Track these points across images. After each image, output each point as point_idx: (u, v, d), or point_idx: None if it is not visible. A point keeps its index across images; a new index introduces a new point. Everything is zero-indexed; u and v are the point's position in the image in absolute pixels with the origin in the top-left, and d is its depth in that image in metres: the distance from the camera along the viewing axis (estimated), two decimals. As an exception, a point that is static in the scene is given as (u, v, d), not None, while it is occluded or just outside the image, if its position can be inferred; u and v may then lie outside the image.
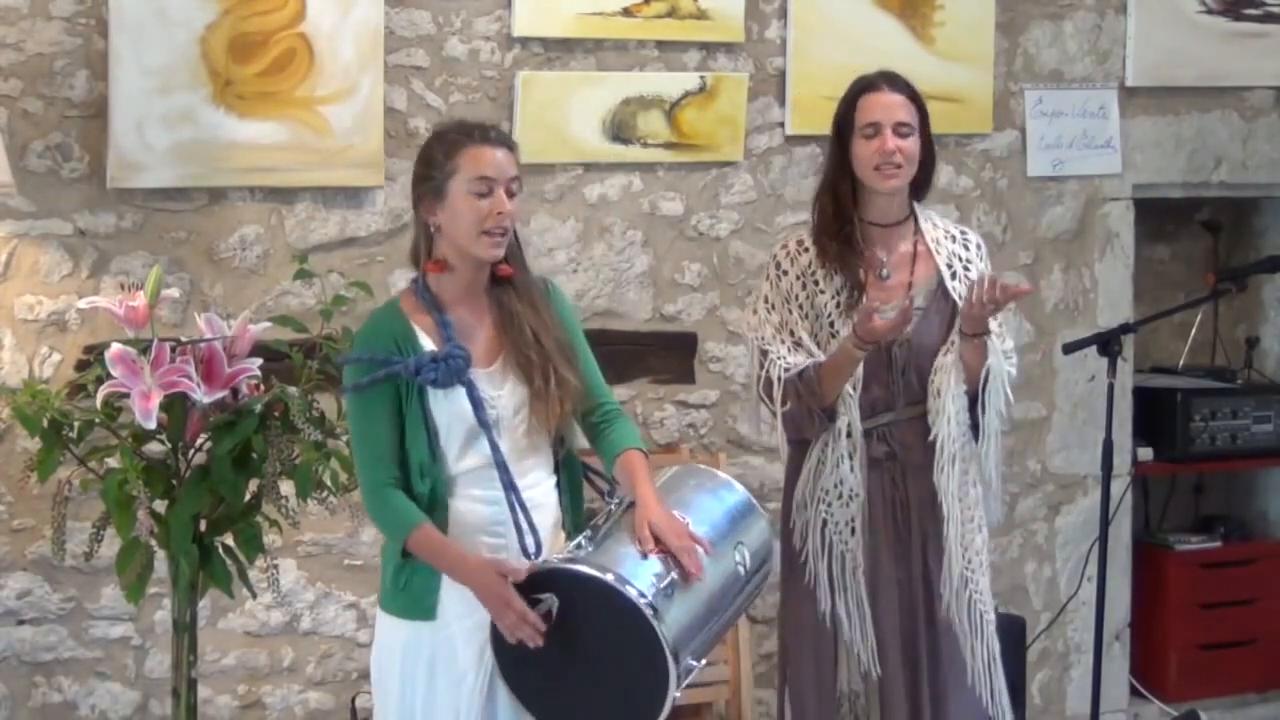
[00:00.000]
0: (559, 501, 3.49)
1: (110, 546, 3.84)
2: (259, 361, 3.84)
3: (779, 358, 3.94)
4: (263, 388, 3.87)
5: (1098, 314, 5.63)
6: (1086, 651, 5.44)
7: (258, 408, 3.79)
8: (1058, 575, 5.64)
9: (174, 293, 4.12)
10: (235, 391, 3.82)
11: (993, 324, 3.95)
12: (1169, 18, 5.64)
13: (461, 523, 3.38)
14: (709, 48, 5.05)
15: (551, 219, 4.93)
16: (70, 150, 4.40)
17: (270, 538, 3.97)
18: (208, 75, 4.45)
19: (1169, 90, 5.71)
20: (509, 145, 3.42)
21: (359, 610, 4.68)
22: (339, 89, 4.59)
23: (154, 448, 3.86)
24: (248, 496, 3.87)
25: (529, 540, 3.36)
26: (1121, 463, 5.53)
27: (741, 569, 3.49)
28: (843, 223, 3.98)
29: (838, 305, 3.96)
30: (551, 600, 3.26)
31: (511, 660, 3.32)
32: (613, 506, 3.47)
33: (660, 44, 4.99)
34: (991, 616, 4.03)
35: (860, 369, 3.89)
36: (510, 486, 3.36)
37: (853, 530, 3.96)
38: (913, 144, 3.94)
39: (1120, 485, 5.53)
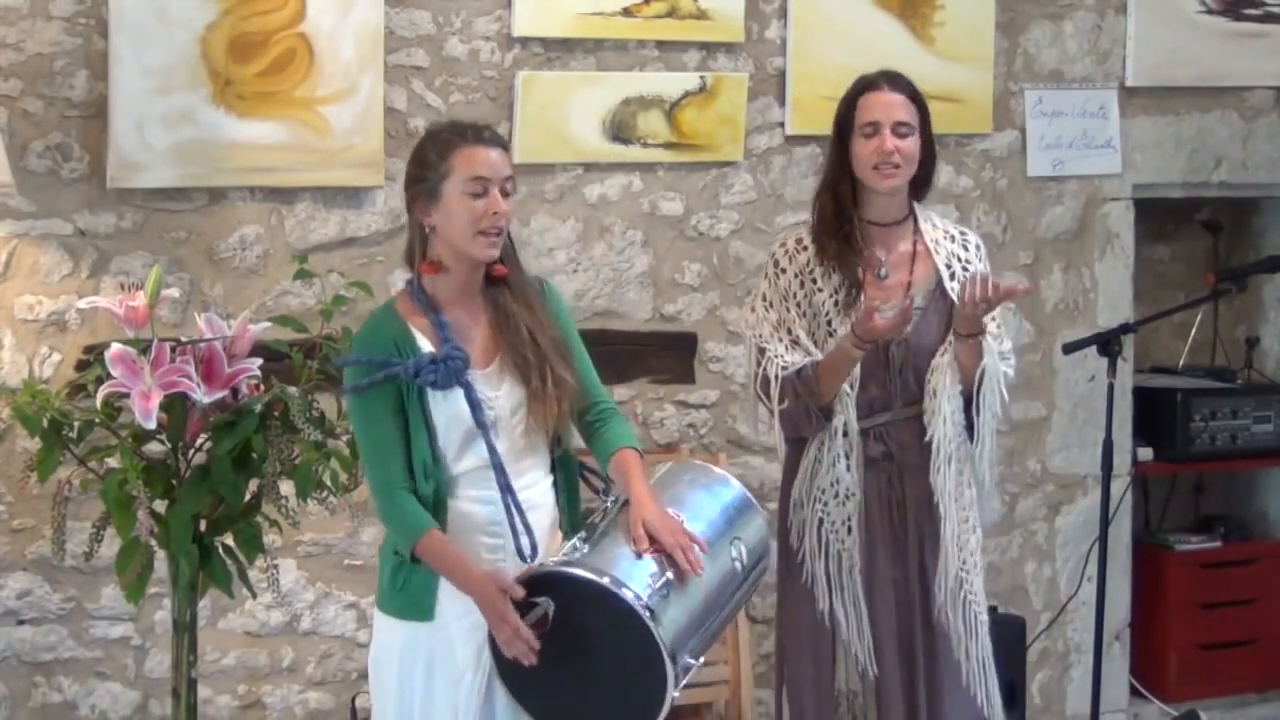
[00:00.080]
0: (556, 501, 3.49)
1: (110, 546, 3.84)
2: (259, 361, 3.83)
3: (776, 356, 3.94)
4: (263, 388, 3.87)
5: (1098, 314, 5.63)
6: (1086, 651, 5.44)
7: (258, 408, 3.79)
8: (1058, 575, 5.64)
9: (174, 293, 4.12)
10: (235, 391, 3.82)
11: (991, 325, 3.95)
12: (1169, 18, 5.64)
13: (460, 523, 3.38)
14: (709, 48, 5.05)
15: (551, 219, 4.94)
16: (70, 150, 4.40)
17: (270, 538, 3.97)
18: (208, 75, 4.45)
19: (1169, 90, 5.71)
20: (502, 145, 3.43)
21: (359, 610, 4.68)
22: (339, 89, 4.59)
23: (154, 448, 3.85)
24: (248, 496, 3.86)
25: (524, 542, 3.35)
26: (1121, 463, 5.53)
27: (738, 565, 3.48)
28: (842, 221, 3.98)
29: (836, 304, 3.96)
30: (547, 604, 3.26)
31: (509, 661, 3.32)
32: (608, 504, 3.46)
33: (660, 44, 4.99)
34: (985, 617, 4.03)
35: (857, 368, 3.89)
36: (506, 488, 3.36)
37: (849, 529, 3.96)
38: (912, 144, 3.94)
39: (1120, 485, 5.53)
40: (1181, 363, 6.11)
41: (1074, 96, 5.56)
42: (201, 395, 3.72)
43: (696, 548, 3.33)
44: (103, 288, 4.40)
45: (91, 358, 4.07)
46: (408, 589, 3.38)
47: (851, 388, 3.92)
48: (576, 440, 3.56)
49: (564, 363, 3.44)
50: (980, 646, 4.00)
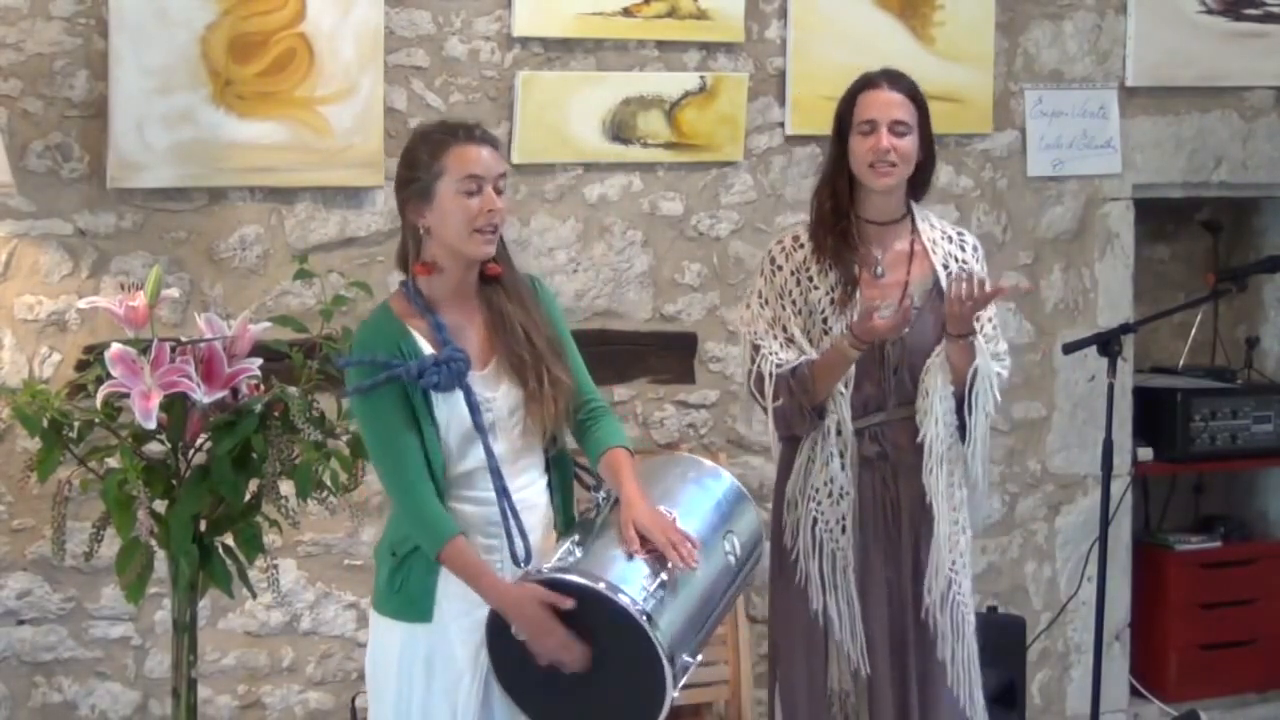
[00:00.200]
0: (550, 501, 3.48)
1: (110, 546, 3.84)
2: (259, 361, 3.83)
3: (771, 353, 3.94)
4: (263, 388, 3.87)
5: (1098, 314, 5.63)
6: (1086, 651, 5.44)
7: (258, 408, 3.79)
8: (1058, 575, 5.64)
9: (174, 293, 4.12)
10: (235, 391, 3.82)
11: (987, 326, 3.95)
12: (1169, 18, 5.64)
13: (459, 523, 3.36)
14: (709, 48, 5.05)
15: (551, 219, 4.94)
16: (70, 150, 4.40)
17: (270, 538, 3.97)
18: (208, 75, 4.45)
19: (1169, 90, 5.71)
20: (493, 143, 3.42)
21: (359, 610, 4.68)
22: (339, 89, 4.59)
23: (154, 448, 3.85)
24: (248, 496, 3.86)
25: (519, 546, 3.35)
26: (1121, 463, 5.53)
27: (732, 559, 3.47)
28: (839, 218, 3.98)
29: (831, 301, 3.96)
30: (570, 604, 3.26)
31: (507, 662, 3.32)
32: (600, 500, 3.45)
33: (660, 44, 4.99)
34: (972, 618, 4.02)
35: (853, 367, 3.89)
36: (503, 491, 3.35)
37: (843, 529, 3.96)
38: (909, 143, 3.94)
39: (1120, 485, 5.53)
40: (1181, 363, 6.11)
41: (1074, 96, 5.56)
42: (201, 395, 3.72)
43: (689, 545, 3.33)
44: (103, 288, 4.40)
45: (91, 358, 4.07)
46: (405, 590, 3.37)
47: (846, 386, 3.92)
48: (569, 439, 3.56)
49: (559, 362, 3.44)
50: (966, 648, 3.99)
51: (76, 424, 3.80)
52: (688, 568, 3.30)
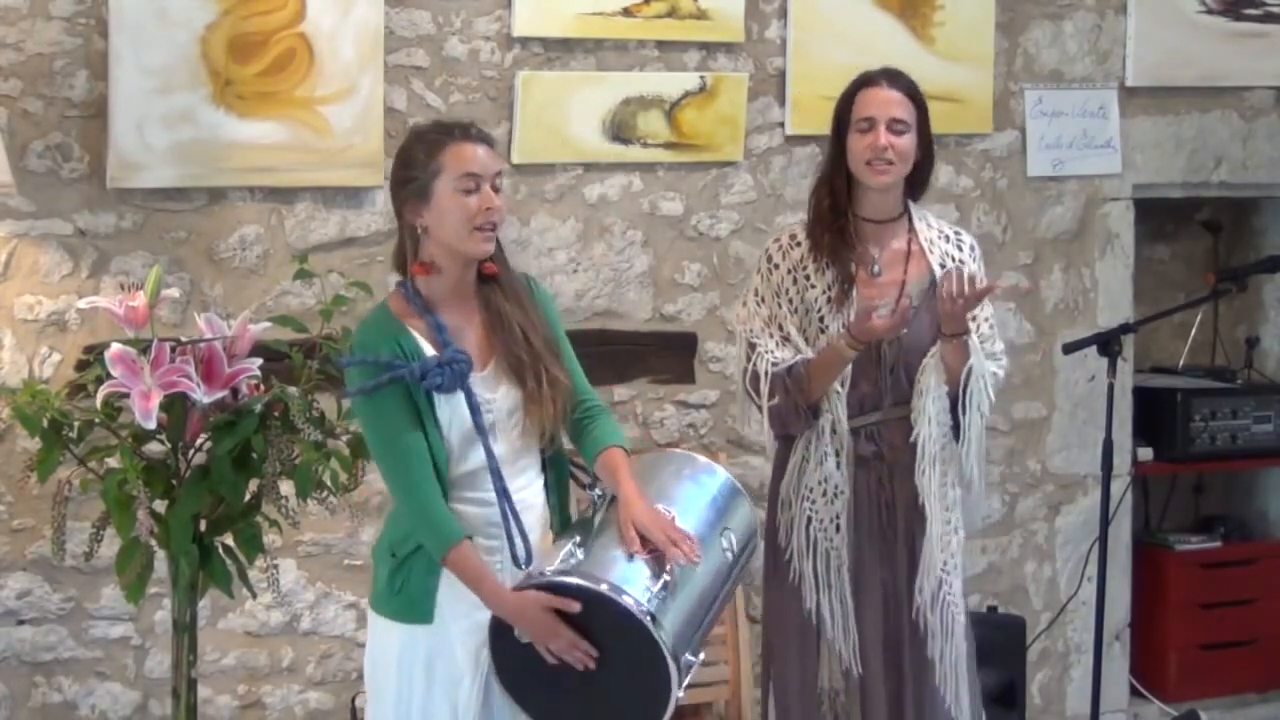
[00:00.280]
0: (546, 500, 3.48)
1: (110, 546, 3.84)
2: (259, 361, 3.83)
3: (766, 352, 3.94)
4: (263, 388, 3.87)
5: (1098, 314, 5.63)
6: (1086, 651, 5.44)
7: (258, 408, 3.79)
8: (1058, 575, 5.64)
9: (174, 293, 4.12)
10: (235, 391, 3.82)
11: (984, 326, 3.96)
12: (1169, 18, 5.64)
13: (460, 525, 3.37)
14: (709, 48, 5.05)
15: (551, 219, 4.93)
16: (70, 150, 4.40)
17: (270, 538, 3.97)
18: (208, 75, 4.45)
19: (1169, 90, 5.71)
20: (489, 141, 3.41)
21: (359, 610, 4.68)
22: (339, 89, 4.59)
23: (154, 448, 3.85)
24: (248, 496, 3.86)
25: (519, 548, 3.34)
26: (1121, 463, 5.53)
27: (729, 555, 3.48)
28: (836, 215, 3.98)
29: (828, 300, 3.96)
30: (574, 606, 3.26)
31: (509, 663, 3.32)
32: (595, 497, 3.45)
33: (660, 44, 4.99)
34: (963, 619, 4.02)
35: (849, 366, 3.89)
36: (503, 493, 3.35)
37: (837, 528, 3.96)
38: (907, 141, 3.93)
39: (1120, 485, 5.53)
40: (1181, 363, 6.11)
41: (1074, 96, 5.56)
42: (201, 395, 3.71)
43: (690, 543, 3.32)
44: (103, 288, 4.40)
45: (91, 358, 4.07)
46: (406, 591, 3.37)
47: (842, 385, 3.92)
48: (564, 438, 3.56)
49: (557, 362, 3.44)
50: (954, 647, 3.99)
51: (76, 424, 3.80)
52: (691, 564, 3.30)
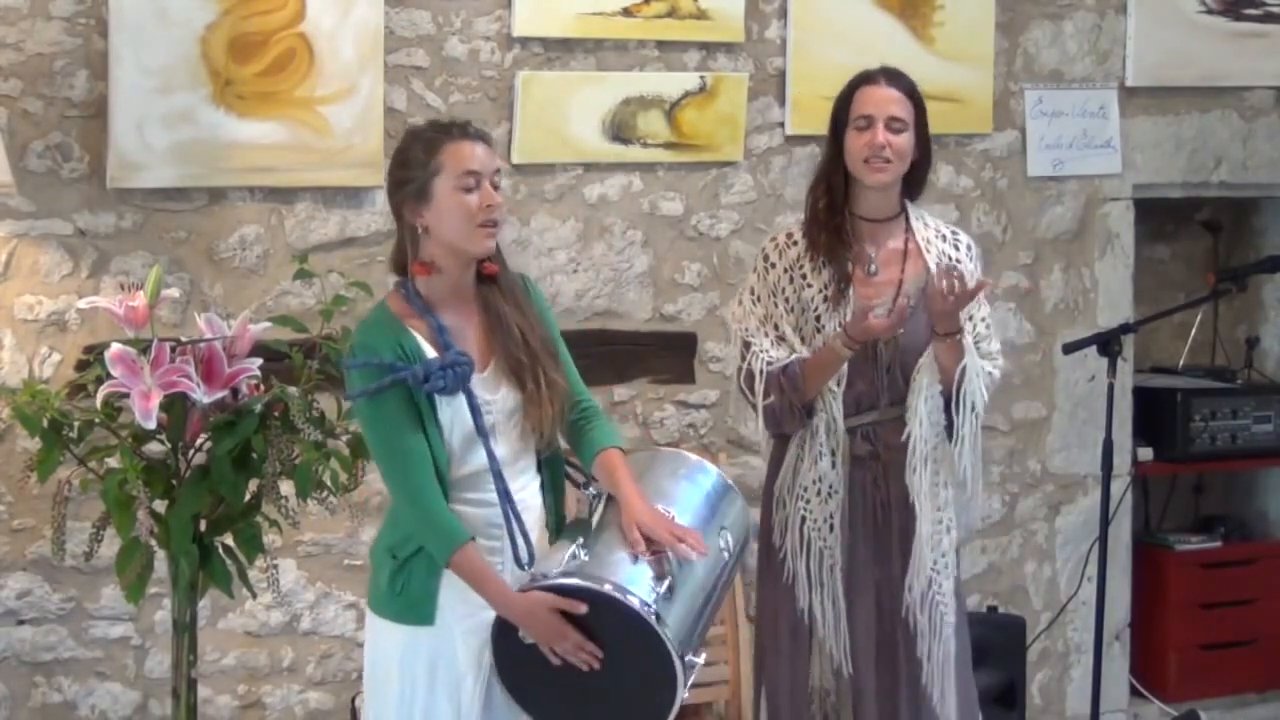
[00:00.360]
0: (543, 501, 3.49)
1: (110, 546, 3.84)
2: (259, 361, 3.83)
3: (761, 351, 3.94)
4: (263, 388, 3.87)
5: (1098, 314, 5.63)
6: (1086, 651, 5.44)
7: (258, 408, 3.79)
8: (1058, 575, 5.64)
9: (174, 293, 4.12)
10: (235, 391, 3.82)
11: (980, 326, 3.95)
12: (1169, 18, 5.64)
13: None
14: (709, 48, 5.05)
15: (551, 219, 4.93)
16: (70, 150, 4.40)
17: (270, 538, 3.97)
18: (208, 75, 4.45)
19: (1169, 90, 5.71)
20: (486, 139, 3.41)
21: (359, 610, 4.68)
22: (339, 89, 4.59)
23: (154, 448, 3.85)
24: (248, 496, 3.86)
25: (522, 549, 3.34)
26: (1121, 463, 5.53)
27: (726, 553, 3.49)
28: (834, 214, 3.98)
29: (825, 299, 3.95)
30: (580, 608, 3.26)
31: (511, 664, 3.32)
32: (591, 497, 3.45)
33: (660, 44, 4.99)
34: (952, 619, 4.00)
35: (845, 365, 3.89)
36: (505, 494, 3.35)
37: (831, 527, 3.95)
38: (905, 140, 3.93)
39: (1120, 485, 5.53)
40: (1181, 363, 6.11)
41: (1074, 96, 5.56)
42: (201, 395, 3.71)
43: (694, 537, 3.33)
44: (103, 288, 4.40)
45: (91, 358, 4.07)
46: (407, 592, 3.36)
47: (839, 385, 3.91)
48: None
49: (554, 364, 3.44)
50: (942, 647, 3.98)
51: (76, 424, 3.80)
52: (700, 556, 3.31)
